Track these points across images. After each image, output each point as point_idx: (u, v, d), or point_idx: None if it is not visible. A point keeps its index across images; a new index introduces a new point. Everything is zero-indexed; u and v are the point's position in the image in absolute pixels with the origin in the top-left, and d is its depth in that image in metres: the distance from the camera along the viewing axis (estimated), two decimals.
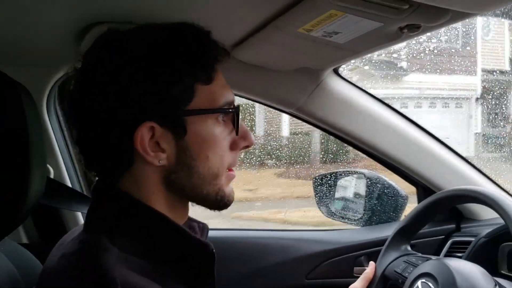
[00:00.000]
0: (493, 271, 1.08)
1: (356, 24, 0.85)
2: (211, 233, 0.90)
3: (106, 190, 0.78)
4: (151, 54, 0.73)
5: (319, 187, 1.72)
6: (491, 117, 4.11)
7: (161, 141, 0.73)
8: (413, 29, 0.85)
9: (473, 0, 0.72)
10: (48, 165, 1.39)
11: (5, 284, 0.83)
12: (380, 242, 1.38)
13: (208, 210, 0.81)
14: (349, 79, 1.38)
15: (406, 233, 1.23)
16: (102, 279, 0.64)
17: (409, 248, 1.23)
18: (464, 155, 1.49)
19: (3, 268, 0.85)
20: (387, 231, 1.36)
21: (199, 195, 0.78)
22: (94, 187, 0.80)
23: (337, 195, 1.71)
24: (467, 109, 4.42)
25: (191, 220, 0.88)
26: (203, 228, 0.89)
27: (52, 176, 1.41)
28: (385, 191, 1.58)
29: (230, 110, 0.78)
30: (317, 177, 1.73)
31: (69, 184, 1.49)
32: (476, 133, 4.27)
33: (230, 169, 0.81)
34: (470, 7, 0.74)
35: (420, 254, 1.18)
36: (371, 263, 1.23)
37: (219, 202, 0.79)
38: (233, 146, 0.80)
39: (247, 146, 0.81)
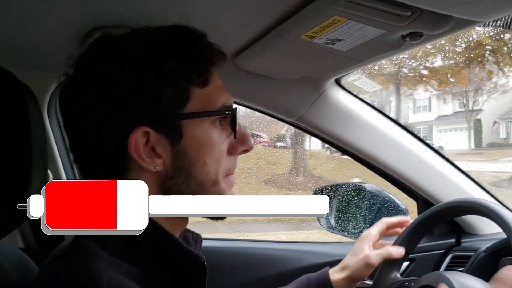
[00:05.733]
0: None
1: (358, 31, 0.86)
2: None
3: None
4: (142, 57, 0.71)
5: None
6: None
7: (156, 146, 0.72)
8: (415, 37, 0.86)
9: (476, 8, 0.72)
10: (48, 170, 1.38)
11: (2, 286, 0.82)
12: None
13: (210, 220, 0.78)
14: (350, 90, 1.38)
15: (394, 261, 1.15)
16: (89, 281, 0.63)
17: (398, 275, 1.19)
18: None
19: (0, 270, 0.84)
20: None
21: None
22: None
23: (337, 207, 1.69)
24: None
25: (185, 230, 0.86)
26: (197, 238, 0.88)
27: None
28: (385, 204, 1.58)
29: (227, 113, 0.76)
30: (317, 189, 1.72)
31: None
32: None
33: (229, 174, 0.79)
34: (473, 15, 0.75)
35: (411, 278, 1.16)
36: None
37: None
38: (232, 151, 0.78)
39: (246, 150, 0.80)
